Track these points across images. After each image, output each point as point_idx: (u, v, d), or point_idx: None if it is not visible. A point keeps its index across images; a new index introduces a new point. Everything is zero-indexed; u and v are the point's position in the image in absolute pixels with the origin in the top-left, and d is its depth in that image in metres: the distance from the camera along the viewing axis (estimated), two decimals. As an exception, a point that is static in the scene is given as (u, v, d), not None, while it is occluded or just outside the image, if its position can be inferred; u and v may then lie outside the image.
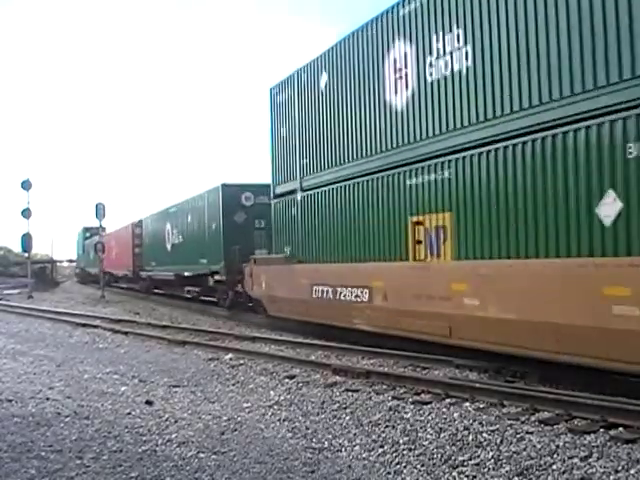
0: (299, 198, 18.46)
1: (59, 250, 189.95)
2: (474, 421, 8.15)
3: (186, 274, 29.52)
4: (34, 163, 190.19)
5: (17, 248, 60.50)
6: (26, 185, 39.31)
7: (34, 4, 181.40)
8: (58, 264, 75.35)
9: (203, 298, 29.27)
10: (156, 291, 39.12)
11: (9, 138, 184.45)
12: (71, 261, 79.45)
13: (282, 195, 19.86)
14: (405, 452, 7.13)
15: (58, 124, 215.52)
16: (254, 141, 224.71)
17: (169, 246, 33.24)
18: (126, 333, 19.02)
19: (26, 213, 39.45)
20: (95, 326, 21.00)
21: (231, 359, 13.70)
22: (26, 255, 45.40)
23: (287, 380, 11.40)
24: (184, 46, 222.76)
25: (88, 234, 60.23)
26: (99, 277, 44.03)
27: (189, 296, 30.34)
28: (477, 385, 9.84)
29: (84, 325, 21.35)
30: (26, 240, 40.27)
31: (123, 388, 10.96)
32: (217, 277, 25.16)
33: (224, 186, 25.18)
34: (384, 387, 10.45)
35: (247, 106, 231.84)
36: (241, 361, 13.37)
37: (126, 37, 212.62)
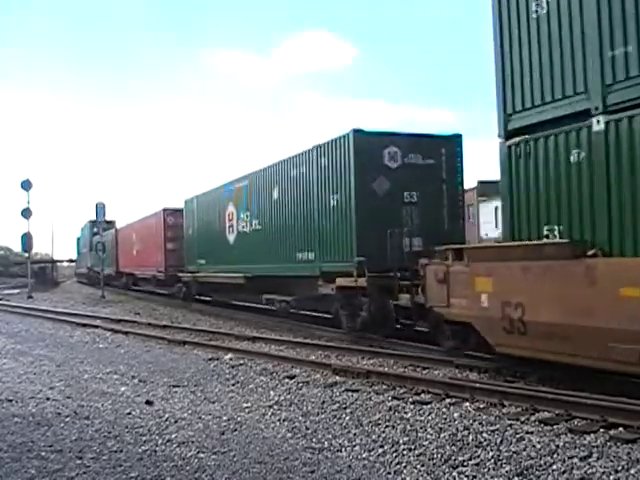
0: (599, 128, 9.70)
1: (59, 250, 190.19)
2: (474, 421, 8.15)
3: (270, 275, 20.67)
4: (34, 162, 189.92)
5: (17, 248, 60.48)
6: (26, 185, 39.28)
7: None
8: (58, 264, 75.34)
9: (303, 312, 20.41)
10: (203, 298, 30.28)
11: (9, 137, 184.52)
12: (71, 261, 79.32)
13: (537, 127, 10.88)
14: (405, 452, 7.14)
15: (58, 123, 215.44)
16: (255, 141, 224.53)
17: (232, 237, 24.18)
18: (126, 333, 19.01)
19: (26, 213, 39.41)
20: (95, 326, 20.98)
21: (231, 359, 13.69)
22: (26, 255, 45.23)
23: (287, 380, 11.40)
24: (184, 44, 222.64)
25: (96, 229, 48.34)
26: (120, 280, 42.69)
27: (273, 308, 21.00)
28: (477, 385, 9.84)
29: (84, 325, 21.32)
30: (26, 240, 40.25)
31: (123, 388, 10.96)
32: (341, 282, 16.35)
33: (357, 133, 15.96)
34: (384, 387, 10.45)
35: (247, 105, 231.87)
36: (241, 361, 13.36)
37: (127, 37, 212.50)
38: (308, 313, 20.41)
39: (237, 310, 25.46)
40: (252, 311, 24.52)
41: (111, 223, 51.68)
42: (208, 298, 29.82)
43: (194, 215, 29.22)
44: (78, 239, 71.46)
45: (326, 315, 18.83)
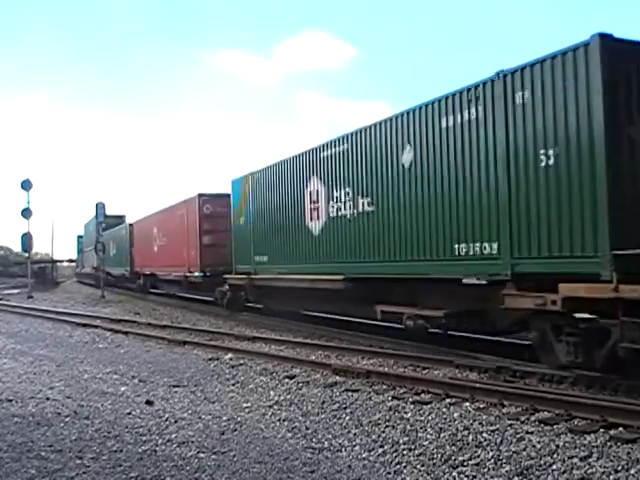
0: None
1: (59, 250, 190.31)
2: (474, 421, 8.15)
3: (393, 277, 14.30)
4: (34, 162, 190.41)
5: (17, 248, 60.44)
6: (26, 185, 39.28)
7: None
8: (58, 264, 75.36)
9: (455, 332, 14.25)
10: (256, 305, 24.03)
11: (10, 137, 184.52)
12: (71, 261, 79.30)
13: None
14: (405, 452, 7.13)
15: (59, 122, 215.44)
16: (255, 139, 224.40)
17: (318, 226, 17.44)
18: (126, 333, 19.00)
19: (26, 213, 39.42)
20: (95, 326, 20.97)
21: (231, 359, 13.68)
22: (26, 255, 45.17)
23: (287, 380, 11.39)
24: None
25: (104, 225, 44.06)
26: (137, 282, 39.33)
27: (399, 325, 14.52)
28: (477, 385, 9.83)
29: (84, 325, 21.31)
30: (26, 240, 40.25)
31: (123, 388, 10.96)
32: (573, 290, 9.87)
33: (605, 39, 9.50)
34: (384, 387, 10.44)
35: (248, 104, 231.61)
36: (241, 361, 13.35)
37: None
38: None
39: (309, 322, 20.05)
40: (314, 319, 20.24)
41: (121, 217, 50.98)
42: (262, 306, 23.47)
43: (249, 199, 22.33)
44: (79, 237, 70.27)
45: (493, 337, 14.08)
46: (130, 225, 41.87)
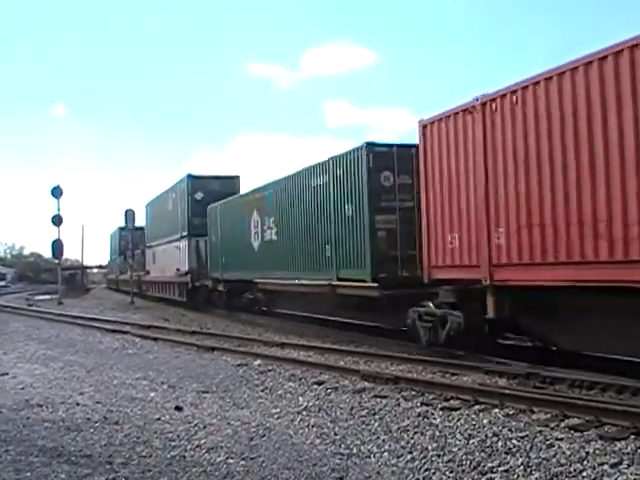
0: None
1: (89, 255, 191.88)
2: (503, 427, 8.10)
3: None
4: (65, 166, 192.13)
5: (47, 254, 60.88)
6: (56, 192, 39.63)
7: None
8: (88, 270, 75.92)
9: None
10: None
11: (40, 142, 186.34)
12: (101, 267, 79.78)
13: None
14: (434, 458, 7.10)
15: (92, 129, 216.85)
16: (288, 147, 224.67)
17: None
18: (155, 339, 19.06)
19: (56, 220, 39.75)
20: (125, 332, 21.05)
21: (260, 365, 13.69)
22: (56, 261, 45.46)
23: (316, 386, 11.38)
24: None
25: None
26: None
27: None
28: (506, 391, 9.77)
29: (114, 331, 21.40)
30: (57, 246, 40.58)
31: (152, 394, 11.01)
32: None
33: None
34: (413, 393, 10.40)
35: (278, 112, 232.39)
36: (270, 367, 13.36)
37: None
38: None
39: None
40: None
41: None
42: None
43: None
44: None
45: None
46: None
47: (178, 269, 33.94)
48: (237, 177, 33.48)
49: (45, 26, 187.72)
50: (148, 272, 43.07)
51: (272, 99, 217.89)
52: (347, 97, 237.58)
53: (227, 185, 31.85)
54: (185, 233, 33.37)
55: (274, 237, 22.56)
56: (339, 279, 17.87)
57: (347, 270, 17.43)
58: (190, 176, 33.36)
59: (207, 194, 32.01)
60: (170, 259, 36.17)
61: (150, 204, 44.46)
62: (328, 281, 18.21)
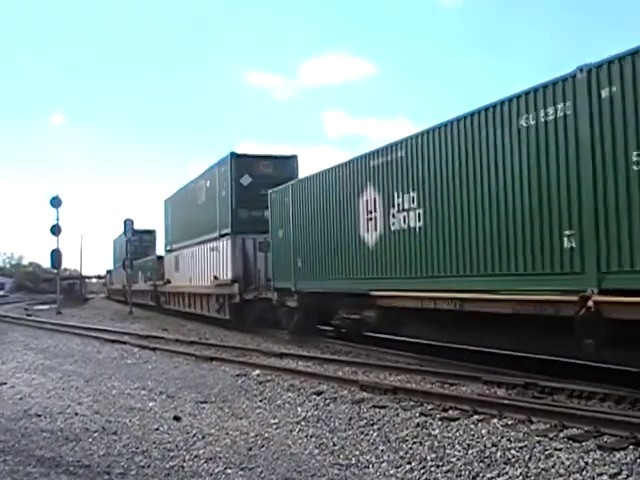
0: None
1: (88, 265, 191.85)
2: (502, 438, 8.09)
3: None
4: (63, 176, 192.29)
5: (46, 264, 60.87)
6: (55, 202, 39.69)
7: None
8: (87, 280, 75.94)
9: None
10: None
11: (39, 152, 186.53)
12: (100, 277, 79.74)
13: None
14: (433, 469, 7.09)
15: (89, 138, 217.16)
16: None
17: None
18: (154, 349, 19.03)
19: (55, 230, 39.78)
20: (123, 342, 21.06)
21: (259, 375, 13.68)
22: (55, 271, 45.43)
23: (314, 396, 11.37)
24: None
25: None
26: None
27: None
28: (505, 401, 9.76)
29: (112, 341, 21.42)
30: (55, 256, 40.60)
31: (151, 404, 11.00)
32: None
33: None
34: (412, 403, 10.39)
35: (275, 122, 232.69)
36: (268, 377, 13.34)
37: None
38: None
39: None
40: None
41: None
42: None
43: None
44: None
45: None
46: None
47: (216, 277, 27.36)
48: (294, 157, 26.81)
49: (45, 35, 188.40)
50: (168, 281, 36.73)
51: (271, 108, 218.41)
52: (345, 107, 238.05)
53: (282, 167, 25.68)
54: (227, 230, 26.44)
55: (418, 223, 14.38)
56: (605, 291, 9.94)
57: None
58: (234, 154, 26.42)
59: (256, 178, 25.66)
60: (202, 265, 29.88)
61: (171, 200, 38.03)
62: (578, 294, 10.23)
